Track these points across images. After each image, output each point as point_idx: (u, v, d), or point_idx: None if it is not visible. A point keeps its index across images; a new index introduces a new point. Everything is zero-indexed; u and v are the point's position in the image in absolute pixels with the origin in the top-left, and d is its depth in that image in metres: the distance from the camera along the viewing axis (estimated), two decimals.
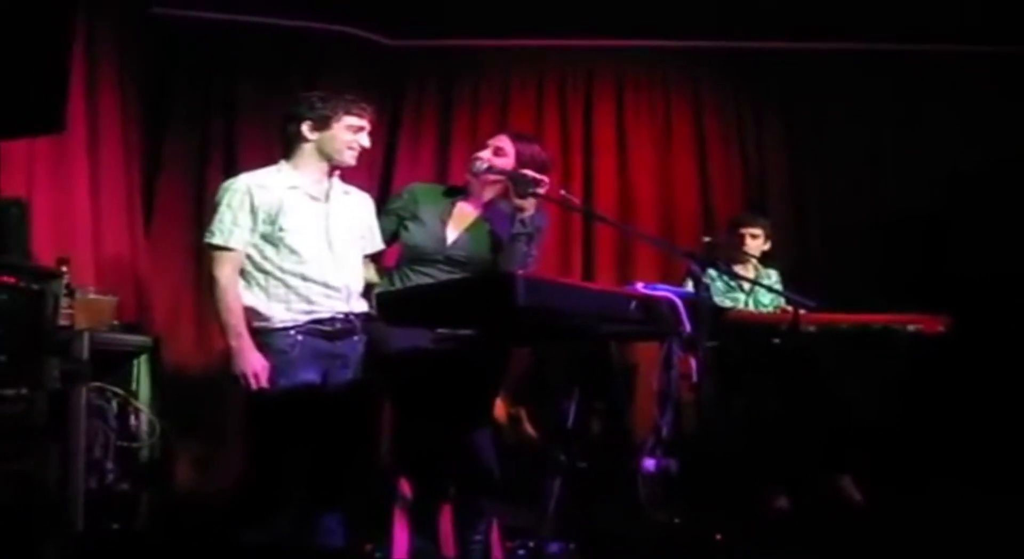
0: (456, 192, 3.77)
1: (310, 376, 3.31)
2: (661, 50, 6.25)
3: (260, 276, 3.34)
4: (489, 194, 3.70)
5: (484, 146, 3.69)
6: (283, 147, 3.49)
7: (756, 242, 5.17)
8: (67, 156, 4.53)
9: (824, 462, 4.93)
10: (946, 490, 4.85)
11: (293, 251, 3.33)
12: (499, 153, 3.64)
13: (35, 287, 3.19)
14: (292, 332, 3.30)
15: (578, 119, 6.17)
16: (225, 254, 3.31)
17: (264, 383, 3.23)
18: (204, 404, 5.01)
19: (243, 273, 3.34)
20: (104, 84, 4.89)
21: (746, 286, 5.06)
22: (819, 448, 4.82)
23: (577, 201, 3.95)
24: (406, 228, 3.65)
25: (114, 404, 3.75)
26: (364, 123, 3.46)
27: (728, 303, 5.03)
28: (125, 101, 5.08)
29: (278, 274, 3.33)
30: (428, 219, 3.65)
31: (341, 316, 3.40)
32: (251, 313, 3.30)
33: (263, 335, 3.29)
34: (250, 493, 3.36)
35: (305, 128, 3.39)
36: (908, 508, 4.61)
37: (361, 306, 3.49)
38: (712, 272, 4.69)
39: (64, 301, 3.44)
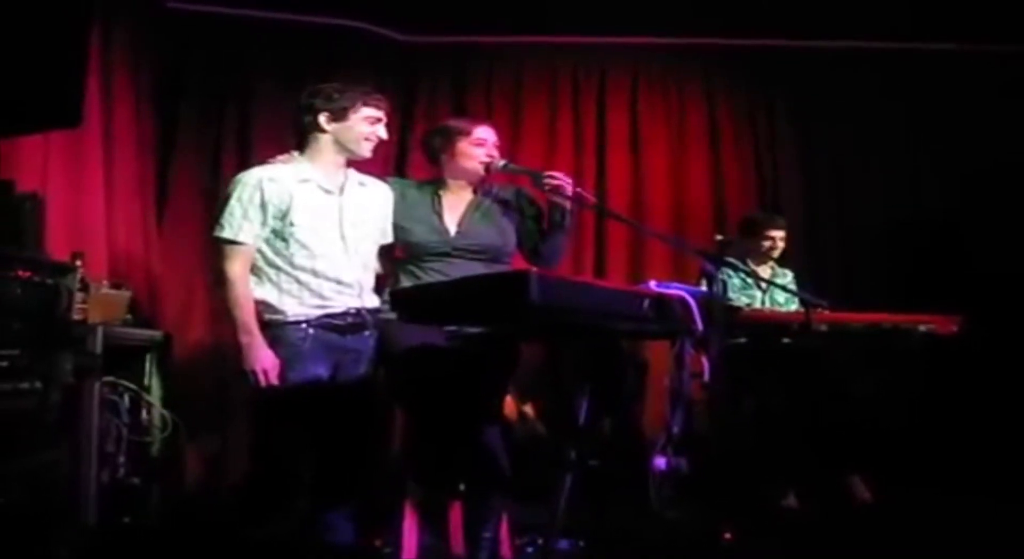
0: (432, 184, 3.77)
1: (320, 370, 3.31)
2: (675, 48, 6.24)
3: (271, 271, 3.33)
4: (468, 185, 3.72)
5: (479, 141, 3.69)
6: (297, 139, 3.49)
7: (783, 243, 5.16)
8: (81, 151, 4.55)
9: (834, 461, 4.92)
10: (955, 490, 4.85)
11: (304, 246, 3.33)
12: (498, 148, 3.69)
13: (49, 281, 3.20)
14: (304, 325, 3.30)
15: (591, 116, 6.17)
16: (235, 248, 3.30)
17: (274, 380, 3.23)
18: (215, 399, 5.03)
19: (254, 268, 3.33)
20: (119, 79, 4.91)
21: (763, 284, 5.06)
22: (829, 447, 4.81)
23: (590, 198, 3.96)
24: (402, 227, 3.64)
25: (126, 398, 3.76)
26: (381, 114, 3.45)
27: (744, 301, 5.02)
28: (139, 96, 5.10)
29: (289, 269, 3.33)
30: (422, 215, 3.65)
31: (353, 311, 3.39)
32: (263, 307, 3.30)
33: (275, 328, 3.29)
34: (256, 489, 3.37)
35: (322, 119, 3.39)
36: (917, 508, 4.60)
37: (373, 301, 3.49)
38: (728, 270, 4.69)
39: (78, 295, 3.45)
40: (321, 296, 3.34)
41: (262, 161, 3.51)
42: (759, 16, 5.80)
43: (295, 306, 3.32)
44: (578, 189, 3.62)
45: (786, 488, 4.80)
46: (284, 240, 3.33)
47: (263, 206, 3.31)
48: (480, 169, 3.66)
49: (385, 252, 3.69)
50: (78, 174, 4.53)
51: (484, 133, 3.68)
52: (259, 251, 3.34)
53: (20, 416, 3.02)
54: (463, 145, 3.65)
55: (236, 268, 3.30)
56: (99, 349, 3.49)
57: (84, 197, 4.56)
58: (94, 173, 4.64)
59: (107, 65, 4.78)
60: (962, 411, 5.37)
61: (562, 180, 3.56)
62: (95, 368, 3.44)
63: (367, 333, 3.45)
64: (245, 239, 3.30)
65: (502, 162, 3.64)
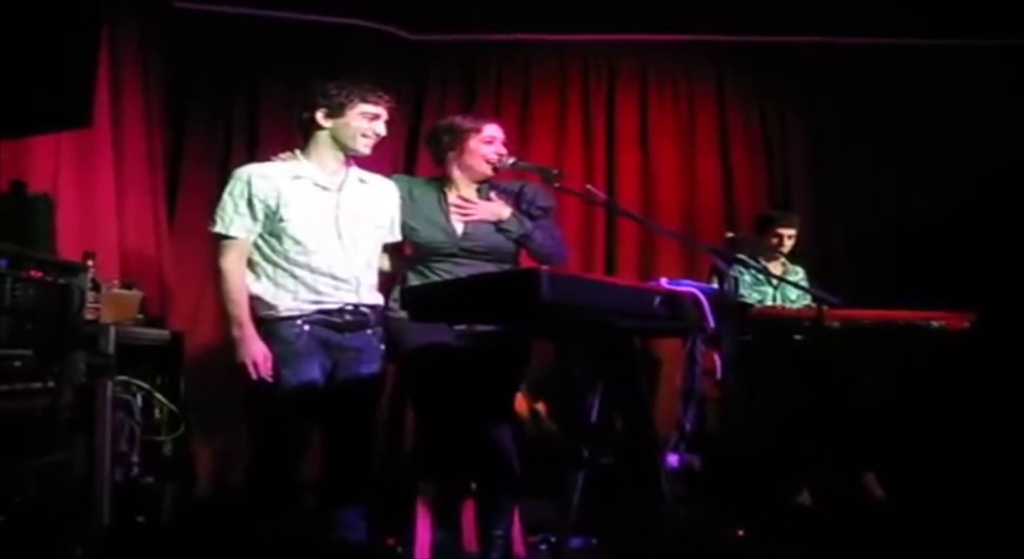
0: (437, 182, 3.76)
1: (315, 368, 3.30)
2: (684, 45, 6.23)
3: (268, 267, 3.34)
4: (473, 183, 3.72)
5: (488, 139, 3.68)
6: (301, 137, 3.50)
7: (791, 241, 5.16)
8: (92, 151, 4.56)
9: (847, 458, 4.91)
10: (968, 487, 4.83)
11: (297, 242, 3.33)
12: (507, 145, 3.69)
13: (61, 281, 3.21)
14: (298, 322, 3.30)
15: (601, 113, 6.16)
16: (228, 243, 3.33)
17: (264, 373, 3.23)
18: (226, 398, 5.03)
19: (252, 264, 3.35)
20: (127, 79, 4.91)
21: (774, 281, 5.05)
22: (842, 444, 4.80)
23: (601, 195, 3.96)
24: (410, 226, 3.63)
25: (139, 398, 3.77)
26: (380, 111, 3.44)
27: (756, 298, 5.02)
28: (148, 96, 5.10)
29: (285, 265, 3.33)
30: (429, 214, 3.65)
31: (350, 307, 3.38)
32: (257, 302, 3.31)
33: (268, 324, 3.30)
34: (254, 486, 3.37)
35: (320, 116, 3.39)
36: (931, 505, 4.59)
37: (373, 298, 3.47)
38: (740, 267, 4.69)
39: (90, 295, 3.45)
40: (316, 291, 3.33)
41: (269, 159, 3.51)
42: (769, 13, 5.78)
43: (289, 301, 3.31)
44: (588, 186, 3.62)
45: (800, 485, 4.79)
46: (277, 237, 3.33)
47: (250, 202, 3.32)
48: (488, 167, 3.65)
49: (394, 250, 3.69)
50: (89, 174, 4.54)
51: (493, 131, 3.69)
52: (257, 247, 3.35)
53: (34, 416, 3.03)
54: (473, 143, 3.65)
55: (228, 262, 3.32)
56: (111, 349, 3.50)
57: (95, 197, 4.56)
58: (105, 173, 4.64)
59: (116, 65, 4.78)
60: (975, 407, 5.35)
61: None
62: (108, 367, 3.44)
63: (369, 331, 3.43)
64: (237, 233, 3.32)
65: (511, 159, 3.64)
